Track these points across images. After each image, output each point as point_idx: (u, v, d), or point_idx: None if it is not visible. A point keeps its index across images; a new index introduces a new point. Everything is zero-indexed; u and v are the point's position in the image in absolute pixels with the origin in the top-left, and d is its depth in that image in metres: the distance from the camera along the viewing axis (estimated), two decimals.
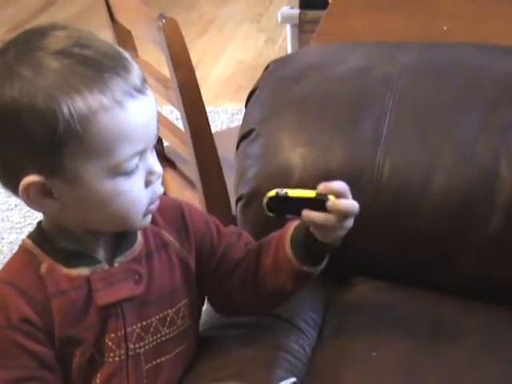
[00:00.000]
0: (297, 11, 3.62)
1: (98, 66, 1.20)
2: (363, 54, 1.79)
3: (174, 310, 1.39)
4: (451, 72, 1.72)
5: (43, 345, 1.29)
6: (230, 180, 1.83)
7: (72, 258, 1.31)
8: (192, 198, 2.14)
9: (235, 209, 1.70)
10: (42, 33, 1.23)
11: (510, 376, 1.42)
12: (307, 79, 1.72)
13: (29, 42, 1.22)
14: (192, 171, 2.09)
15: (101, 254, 1.34)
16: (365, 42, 1.92)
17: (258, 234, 1.50)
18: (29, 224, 2.99)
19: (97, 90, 1.18)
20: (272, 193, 1.34)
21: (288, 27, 3.71)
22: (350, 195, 1.34)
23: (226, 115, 3.40)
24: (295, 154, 1.61)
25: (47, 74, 1.18)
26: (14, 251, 1.36)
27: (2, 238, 2.96)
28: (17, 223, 3.02)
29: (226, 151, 1.96)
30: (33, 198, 1.24)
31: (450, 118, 1.63)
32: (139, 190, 1.26)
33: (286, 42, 3.84)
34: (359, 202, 1.53)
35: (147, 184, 1.28)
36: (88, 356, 1.32)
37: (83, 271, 1.31)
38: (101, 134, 1.20)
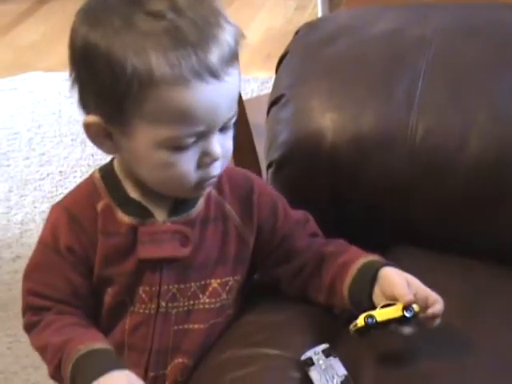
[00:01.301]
0: None
1: (179, 39, 1.20)
2: (395, 16, 1.77)
3: (219, 281, 1.40)
4: (485, 32, 1.70)
5: (81, 276, 1.35)
6: (261, 147, 1.83)
7: (129, 205, 1.35)
8: None
9: (266, 175, 1.69)
10: None
11: None
12: (338, 43, 1.71)
13: None
14: None
15: (157, 210, 1.36)
16: (396, 5, 1.89)
17: (290, 199, 1.48)
18: (60, 193, 2.99)
19: (165, 63, 1.19)
20: (361, 321, 1.30)
21: None
22: (432, 296, 1.32)
23: (256, 83, 3.42)
24: (326, 118, 1.60)
25: (131, 31, 1.21)
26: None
27: (35, 207, 2.97)
28: (48, 192, 3.03)
29: (257, 118, 1.96)
30: (93, 136, 1.30)
31: (484, 80, 1.62)
32: (187, 167, 1.27)
33: (316, 9, 3.82)
34: (390, 165, 1.56)
35: (200, 164, 1.27)
36: (119, 300, 1.36)
37: (134, 221, 1.34)
38: (159, 105, 1.22)
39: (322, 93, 1.64)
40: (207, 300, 1.39)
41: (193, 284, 1.37)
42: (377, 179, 1.59)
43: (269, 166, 1.65)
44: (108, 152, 1.34)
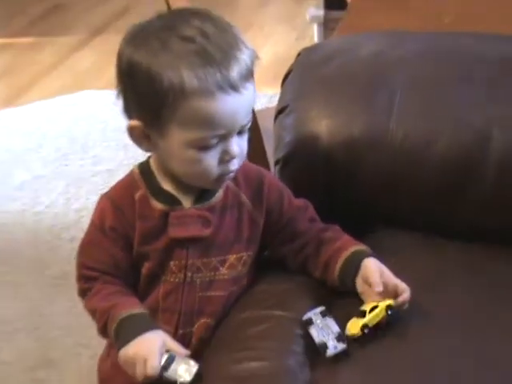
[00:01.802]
0: (322, 12, 3.59)
1: (206, 59, 1.20)
2: (377, 42, 1.76)
3: (235, 256, 1.39)
4: (451, 56, 1.68)
5: (122, 251, 1.35)
6: (269, 148, 1.82)
7: (161, 195, 1.35)
8: None
9: (274, 170, 1.67)
10: (182, 16, 1.27)
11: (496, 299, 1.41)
12: (332, 63, 1.69)
13: (168, 23, 1.26)
14: None
15: (184, 198, 1.36)
16: (379, 32, 1.88)
17: (293, 190, 1.48)
18: (108, 187, 2.97)
19: (195, 78, 1.20)
20: (358, 332, 1.30)
21: (315, 26, 3.69)
22: (401, 286, 1.34)
23: (265, 98, 3.43)
24: (322, 124, 1.58)
25: (167, 52, 1.22)
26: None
27: (88, 199, 2.95)
28: (99, 186, 3.01)
29: (266, 125, 1.95)
30: (135, 137, 1.30)
31: (451, 94, 1.60)
32: (210, 163, 1.27)
33: (313, 39, 3.83)
34: (375, 162, 1.56)
35: (221, 161, 1.27)
36: (154, 272, 1.36)
37: (165, 207, 1.34)
38: (189, 113, 1.22)
39: (319, 104, 1.63)
40: (226, 271, 1.38)
41: (213, 259, 1.37)
42: (365, 173, 1.57)
43: (276, 163, 1.64)
44: (146, 150, 1.34)
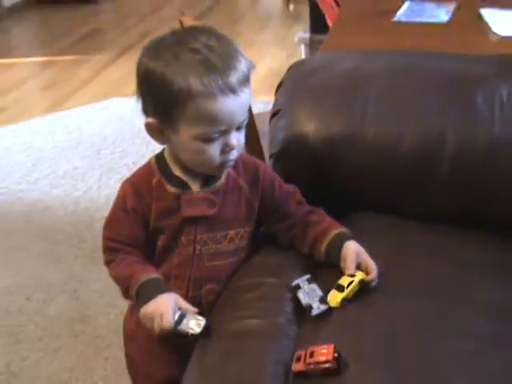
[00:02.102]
0: (308, 35, 3.56)
1: (210, 67, 1.18)
2: (354, 58, 1.72)
3: (234, 231, 1.36)
4: (413, 71, 1.65)
5: (140, 227, 1.33)
6: (265, 145, 1.78)
7: (174, 181, 1.32)
8: None
9: (268, 163, 1.63)
10: (191, 33, 1.24)
11: (455, 277, 1.37)
12: (316, 75, 1.66)
13: (179, 38, 1.23)
14: None
15: (193, 183, 1.33)
16: (355, 51, 1.85)
17: (284, 179, 1.45)
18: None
19: (199, 83, 1.17)
20: (338, 304, 1.28)
21: (302, 46, 3.67)
22: (371, 265, 1.33)
23: (261, 104, 3.40)
24: (308, 126, 1.55)
25: (178, 62, 1.19)
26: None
27: (116, 186, 2.93)
28: (127, 174, 2.98)
29: (262, 126, 1.92)
30: (151, 132, 1.28)
31: (413, 101, 1.58)
32: (213, 153, 1.25)
33: (301, 57, 3.77)
34: (352, 156, 1.53)
35: (222, 152, 1.25)
36: (168, 245, 1.34)
37: (178, 191, 1.32)
38: (195, 112, 1.20)
39: (306, 109, 1.59)
40: (227, 244, 1.36)
41: (217, 233, 1.34)
42: (344, 165, 1.55)
43: (270, 157, 1.61)
44: (160, 143, 1.31)
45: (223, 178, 1.34)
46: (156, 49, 1.23)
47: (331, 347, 1.13)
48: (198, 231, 1.32)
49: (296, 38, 3.68)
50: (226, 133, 1.23)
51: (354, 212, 1.56)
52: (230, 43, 1.23)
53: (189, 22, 2.08)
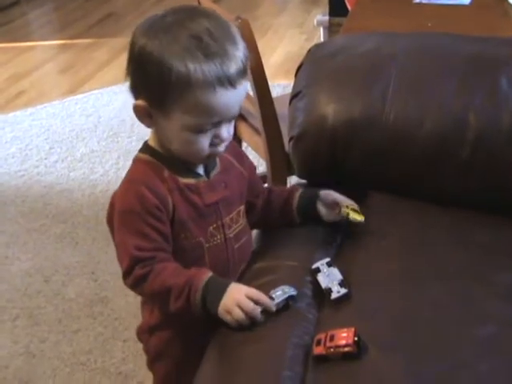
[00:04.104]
0: (327, 18, 3.52)
1: (212, 56, 1.13)
2: (374, 40, 1.70)
3: (242, 206, 1.35)
4: (434, 52, 1.63)
5: (166, 225, 1.23)
6: (284, 128, 1.78)
7: (183, 171, 1.26)
8: (258, 142, 2.10)
9: (288, 147, 1.64)
10: (191, 15, 1.17)
11: (476, 261, 1.35)
12: (337, 57, 1.65)
13: (179, 19, 1.16)
14: (258, 123, 2.03)
15: (200, 170, 1.28)
16: (375, 33, 1.82)
17: (304, 162, 1.45)
18: None
19: (199, 71, 1.12)
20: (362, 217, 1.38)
21: (321, 29, 3.62)
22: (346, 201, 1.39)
23: (280, 88, 3.39)
24: (329, 107, 1.54)
25: (177, 46, 1.13)
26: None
27: None
28: None
29: (281, 109, 1.92)
30: (139, 114, 1.21)
31: (434, 83, 1.55)
32: (203, 145, 1.20)
33: (320, 40, 3.77)
34: (372, 139, 1.52)
35: (212, 143, 1.21)
36: (196, 241, 1.27)
37: (192, 181, 1.26)
38: (191, 101, 1.15)
39: (326, 90, 1.58)
40: (242, 221, 1.34)
41: (234, 213, 1.32)
42: (362, 147, 1.53)
43: (290, 140, 1.59)
44: (147, 126, 1.24)
45: (218, 161, 1.31)
46: (154, 28, 1.17)
47: (351, 331, 1.12)
48: (222, 215, 1.29)
49: (315, 21, 3.65)
50: (218, 125, 1.19)
51: (373, 194, 1.55)
52: (229, 28, 1.18)
53: (207, 3, 2.06)
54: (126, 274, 1.23)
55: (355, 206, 1.39)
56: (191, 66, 1.12)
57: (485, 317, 1.20)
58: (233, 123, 1.23)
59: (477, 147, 1.47)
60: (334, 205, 1.39)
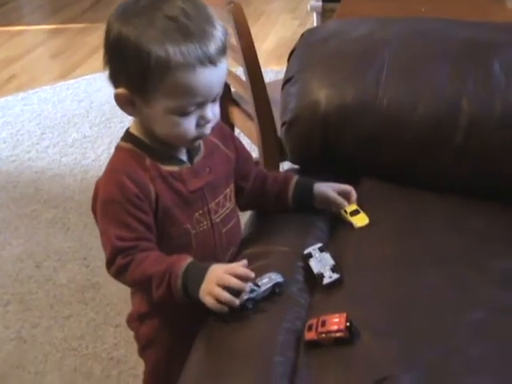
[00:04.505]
0: (320, 3, 3.49)
1: (189, 36, 1.11)
2: (366, 25, 1.69)
3: (228, 189, 1.33)
4: (427, 36, 1.62)
5: (148, 215, 1.21)
6: (276, 113, 1.77)
7: (165, 159, 1.24)
8: (251, 127, 2.09)
9: (280, 132, 1.63)
10: None
11: (470, 247, 1.35)
12: (329, 42, 1.64)
13: (154, 2, 1.14)
14: (250, 108, 2.02)
15: (183, 156, 1.27)
16: (368, 18, 1.81)
17: (297, 148, 1.44)
18: None
19: (179, 53, 1.10)
20: (366, 219, 1.40)
21: (314, 15, 3.59)
22: (347, 188, 1.42)
23: (272, 73, 3.37)
24: (321, 93, 1.53)
25: (153, 29, 1.11)
26: None
27: None
28: None
29: (274, 95, 1.91)
30: (120, 103, 1.19)
31: (428, 68, 1.54)
32: (189, 127, 1.18)
33: (313, 26, 3.74)
34: (364, 124, 1.51)
35: (198, 125, 1.19)
36: (184, 228, 1.26)
37: (175, 168, 1.24)
38: (172, 83, 1.13)
39: (319, 75, 1.57)
40: (228, 204, 1.32)
41: (220, 197, 1.30)
42: (355, 133, 1.53)
43: (282, 125, 1.59)
44: (130, 114, 1.21)
45: (202, 145, 1.29)
46: (128, 13, 1.14)
47: (343, 316, 1.12)
48: (208, 201, 1.27)
49: (308, 7, 3.63)
50: (202, 105, 1.17)
51: (366, 180, 1.55)
52: (205, 8, 1.16)
53: None
54: (109, 264, 1.22)
55: (355, 206, 1.39)
56: (170, 50, 1.10)
57: (478, 303, 1.20)
58: (217, 104, 1.22)
59: (470, 132, 1.47)
60: (331, 204, 1.40)
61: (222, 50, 1.15)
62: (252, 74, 1.93)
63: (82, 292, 2.20)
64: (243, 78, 2.01)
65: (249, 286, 1.18)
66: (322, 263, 1.27)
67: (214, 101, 1.19)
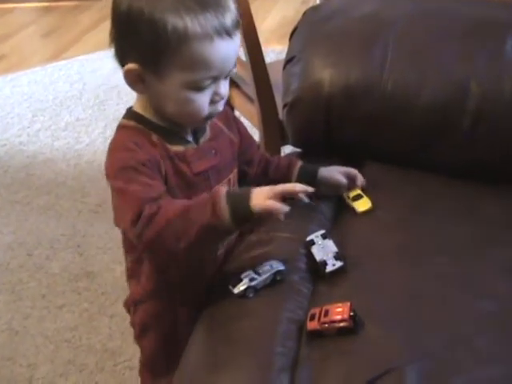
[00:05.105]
0: None
1: (205, 5, 1.12)
2: (373, 3, 1.69)
3: (232, 174, 1.34)
4: (434, 16, 1.62)
5: (161, 182, 1.20)
6: (278, 95, 1.77)
7: (171, 137, 1.24)
8: (251, 110, 2.09)
9: (282, 114, 1.64)
10: None
11: (479, 235, 1.36)
12: (333, 20, 1.64)
13: None
14: (251, 90, 2.02)
15: (189, 138, 1.27)
16: None
17: (299, 131, 1.44)
18: None
19: (196, 23, 1.11)
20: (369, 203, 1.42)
21: None
22: (352, 171, 1.44)
23: (273, 54, 3.39)
24: (325, 72, 1.54)
25: (167, 0, 1.12)
26: None
27: None
28: None
29: (275, 76, 1.90)
30: (130, 80, 1.19)
31: (435, 49, 1.55)
32: (203, 103, 1.19)
33: (316, 3, 3.73)
34: (370, 106, 1.52)
35: (211, 101, 1.20)
36: None
37: (181, 148, 1.25)
38: (188, 55, 1.13)
39: (322, 55, 1.58)
40: (231, 189, 1.31)
41: (224, 181, 1.31)
42: (359, 116, 1.53)
43: (284, 107, 1.59)
44: (139, 92, 1.22)
45: (208, 128, 1.30)
46: None
47: (347, 305, 1.13)
48: (212, 184, 1.28)
49: None
50: (216, 80, 1.18)
51: (371, 164, 1.56)
52: None
53: None
54: (134, 221, 1.15)
55: (358, 190, 1.42)
56: (187, 19, 1.11)
57: (486, 292, 1.21)
58: (228, 81, 1.23)
59: (479, 115, 1.48)
60: (336, 187, 1.42)
61: (237, 23, 1.16)
62: (252, 54, 1.93)
63: (76, 281, 2.21)
64: (243, 58, 2.01)
65: (249, 273, 1.19)
66: (324, 250, 1.28)
67: (226, 76, 1.21)
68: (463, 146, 1.51)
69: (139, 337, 1.42)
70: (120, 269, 2.20)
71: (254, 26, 1.91)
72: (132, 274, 1.37)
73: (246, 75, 2.04)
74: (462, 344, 1.10)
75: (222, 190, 1.17)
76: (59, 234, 2.43)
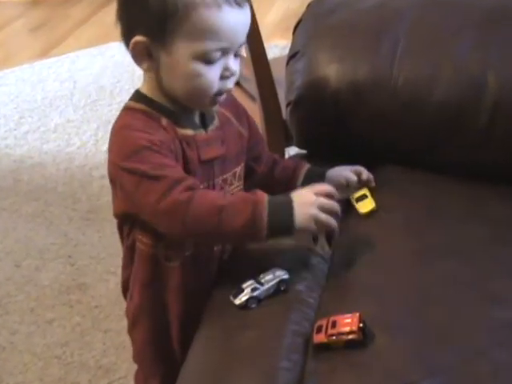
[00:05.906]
0: None
1: None
2: None
3: (238, 168, 1.36)
4: (446, 5, 1.63)
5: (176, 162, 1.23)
6: (281, 92, 1.79)
7: (180, 119, 1.27)
8: (253, 109, 2.09)
9: (285, 113, 1.65)
10: None
11: (490, 236, 1.36)
12: (339, 13, 1.65)
13: None
14: (253, 88, 2.03)
15: (197, 122, 1.30)
16: None
17: (303, 130, 1.44)
18: None
19: None
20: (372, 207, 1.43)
21: None
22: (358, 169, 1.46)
23: (277, 49, 3.39)
24: (330, 68, 1.55)
25: None
26: None
27: None
28: None
29: (278, 72, 1.91)
30: (137, 54, 1.23)
31: (449, 41, 1.55)
32: (213, 77, 1.22)
33: None
34: (379, 103, 1.53)
35: (221, 77, 1.23)
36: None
37: (190, 132, 1.27)
38: (197, 23, 1.18)
39: (327, 49, 1.59)
40: (237, 184, 1.36)
41: (229, 174, 1.33)
42: (368, 114, 1.54)
43: (288, 105, 1.61)
44: (145, 69, 1.25)
45: (216, 117, 1.33)
46: None
47: (356, 316, 1.13)
48: (215, 174, 1.30)
49: None
50: (226, 53, 1.21)
51: (380, 166, 1.56)
52: None
53: None
54: (163, 196, 1.18)
55: (364, 191, 1.43)
56: None
57: (503, 300, 1.21)
58: (239, 60, 1.26)
59: (497, 112, 1.48)
60: (345, 187, 1.43)
61: None
62: (254, 49, 1.93)
63: (67, 293, 2.21)
64: (244, 54, 2.02)
65: (251, 283, 1.20)
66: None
67: (235, 55, 1.24)
68: (477, 146, 1.51)
69: (131, 328, 1.44)
70: (114, 280, 2.20)
71: (256, 19, 1.92)
72: (126, 262, 1.38)
73: (247, 72, 2.04)
74: (480, 357, 1.10)
75: (262, 197, 1.20)
76: (49, 243, 2.44)
